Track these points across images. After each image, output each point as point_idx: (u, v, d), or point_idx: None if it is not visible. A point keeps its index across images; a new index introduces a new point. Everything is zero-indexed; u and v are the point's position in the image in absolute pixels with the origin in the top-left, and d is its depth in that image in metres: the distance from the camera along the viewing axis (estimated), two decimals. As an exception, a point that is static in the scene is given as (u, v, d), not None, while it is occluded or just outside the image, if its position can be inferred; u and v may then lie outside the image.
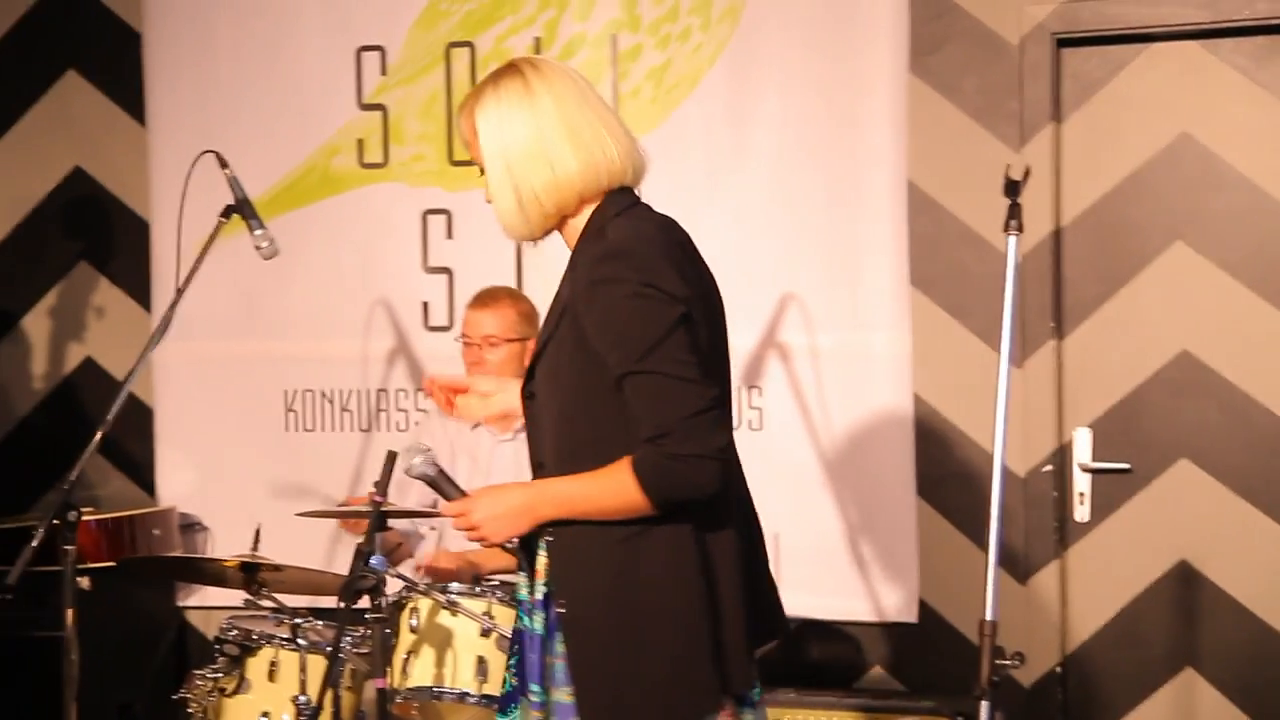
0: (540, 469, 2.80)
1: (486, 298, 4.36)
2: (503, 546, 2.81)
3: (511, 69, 2.81)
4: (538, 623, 2.77)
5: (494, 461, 4.28)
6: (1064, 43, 4.53)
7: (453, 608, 3.74)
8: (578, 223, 2.81)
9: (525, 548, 2.82)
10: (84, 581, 3.46)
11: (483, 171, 2.81)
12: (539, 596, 2.76)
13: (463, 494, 2.80)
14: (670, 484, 2.62)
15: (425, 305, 4.95)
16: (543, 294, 4.67)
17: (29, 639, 4.63)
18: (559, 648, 2.73)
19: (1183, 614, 4.51)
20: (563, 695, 2.72)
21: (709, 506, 2.70)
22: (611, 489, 2.65)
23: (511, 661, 2.90)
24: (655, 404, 2.62)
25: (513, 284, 4.79)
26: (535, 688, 2.76)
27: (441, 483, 2.81)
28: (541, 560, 2.77)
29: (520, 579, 2.87)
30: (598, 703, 2.67)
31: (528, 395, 2.81)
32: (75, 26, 5.28)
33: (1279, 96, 4.41)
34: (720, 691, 2.71)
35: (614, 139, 2.81)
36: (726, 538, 2.75)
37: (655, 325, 2.63)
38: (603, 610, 2.68)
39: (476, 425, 4.31)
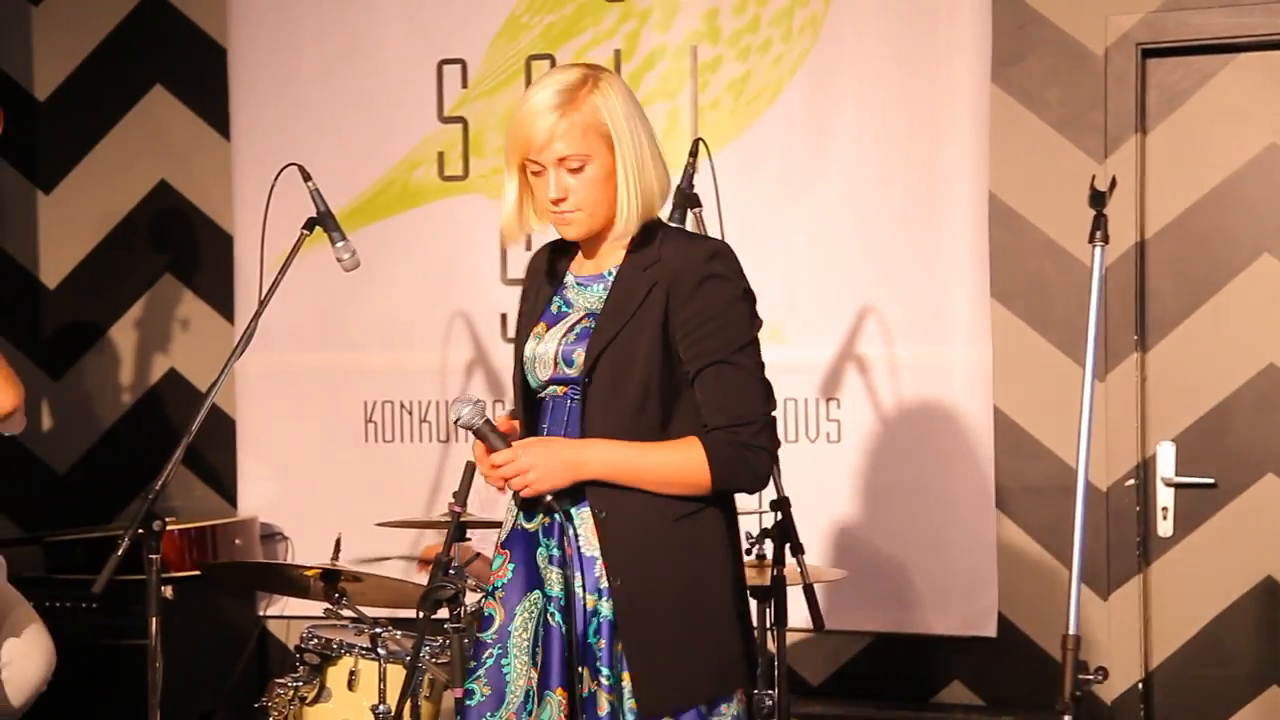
0: None
1: None
2: (543, 506, 2.84)
3: (612, 75, 2.87)
4: (606, 609, 2.80)
5: None
6: (1149, 53, 4.48)
7: (531, 618, 3.74)
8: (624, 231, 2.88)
9: (562, 522, 2.84)
10: (167, 590, 3.48)
11: (577, 169, 2.81)
12: (605, 585, 2.80)
13: (508, 446, 2.83)
14: (737, 471, 2.80)
15: (503, 317, 4.96)
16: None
17: (114, 647, 4.69)
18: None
19: (1269, 630, 4.44)
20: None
21: (732, 499, 2.89)
22: (676, 462, 2.78)
23: (482, 671, 2.90)
24: (738, 395, 2.80)
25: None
26: (606, 672, 2.79)
27: (488, 434, 2.83)
28: (597, 550, 2.82)
29: (550, 574, 2.86)
30: (661, 676, 2.77)
31: (583, 381, 2.83)
32: (162, 42, 5.35)
33: (1368, 106, 4.35)
34: (751, 668, 2.91)
35: None
36: (738, 530, 2.95)
37: (750, 327, 2.84)
38: (663, 586, 2.79)
39: None
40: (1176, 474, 4.50)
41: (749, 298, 2.85)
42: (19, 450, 5.37)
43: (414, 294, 5.04)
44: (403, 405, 5.06)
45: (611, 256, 2.92)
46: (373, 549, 4.38)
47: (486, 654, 2.91)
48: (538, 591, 2.88)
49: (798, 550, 3.48)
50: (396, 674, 3.88)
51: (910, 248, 4.58)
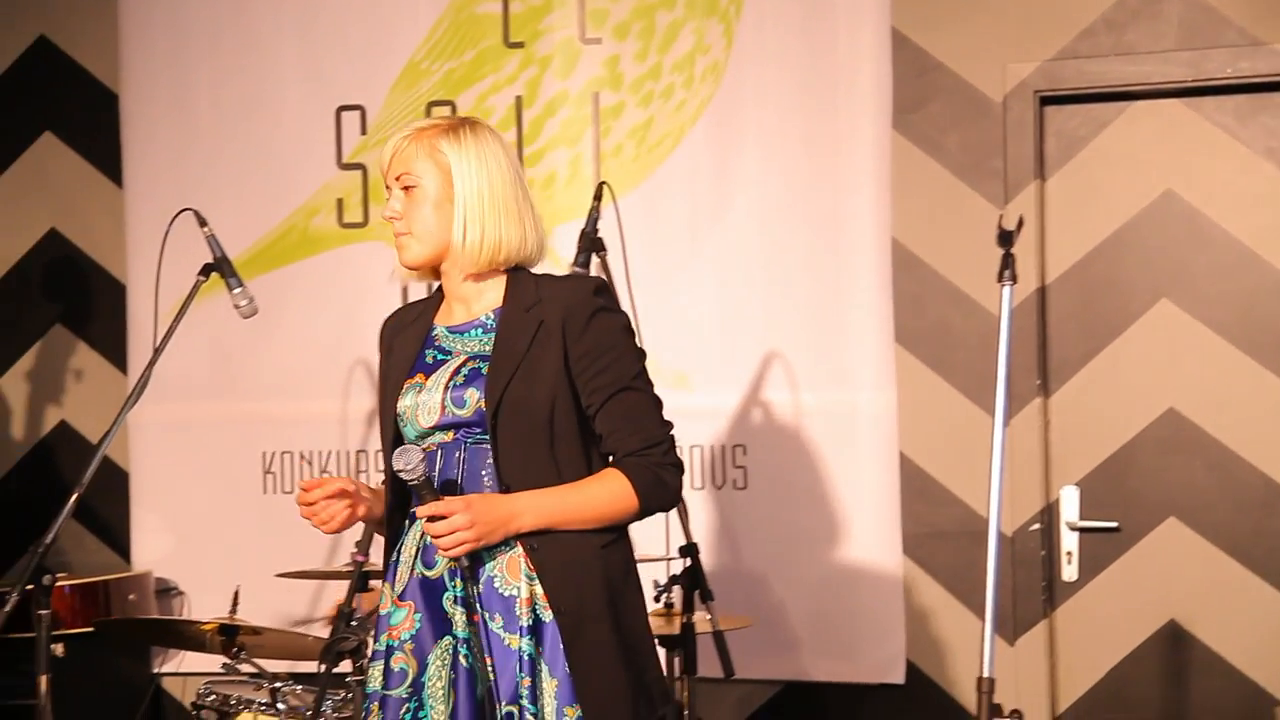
0: (505, 490, 2.83)
1: None
2: (457, 561, 2.80)
3: (483, 125, 2.98)
4: (525, 645, 2.79)
5: None
6: (1047, 100, 4.53)
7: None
8: (498, 278, 2.95)
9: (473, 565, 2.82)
10: (58, 648, 3.39)
11: (406, 189, 2.93)
12: (525, 623, 2.80)
13: (440, 499, 2.79)
14: (660, 491, 2.88)
15: (405, 366, 4.90)
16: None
17: (2, 707, 4.56)
18: (561, 664, 2.79)
19: (1172, 674, 4.47)
20: (572, 711, 2.79)
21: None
22: (604, 496, 2.84)
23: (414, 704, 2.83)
24: (645, 418, 2.89)
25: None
26: (533, 709, 2.79)
27: (426, 487, 2.77)
28: (525, 588, 2.80)
29: (457, 615, 2.82)
30: (608, 703, 2.80)
31: (490, 421, 2.83)
32: (52, 88, 5.26)
33: (1261, 154, 4.41)
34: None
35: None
36: None
37: (639, 356, 2.94)
38: (603, 617, 2.82)
39: None
40: (1080, 518, 4.52)
41: (632, 330, 2.95)
42: (-97, 506, 5.23)
43: (313, 342, 4.97)
44: (302, 455, 4.98)
45: (483, 301, 2.96)
46: (272, 600, 4.29)
47: (404, 709, 2.83)
48: (448, 637, 2.84)
49: (707, 596, 3.46)
50: (297, 730, 3.79)
51: (815, 294, 4.58)
